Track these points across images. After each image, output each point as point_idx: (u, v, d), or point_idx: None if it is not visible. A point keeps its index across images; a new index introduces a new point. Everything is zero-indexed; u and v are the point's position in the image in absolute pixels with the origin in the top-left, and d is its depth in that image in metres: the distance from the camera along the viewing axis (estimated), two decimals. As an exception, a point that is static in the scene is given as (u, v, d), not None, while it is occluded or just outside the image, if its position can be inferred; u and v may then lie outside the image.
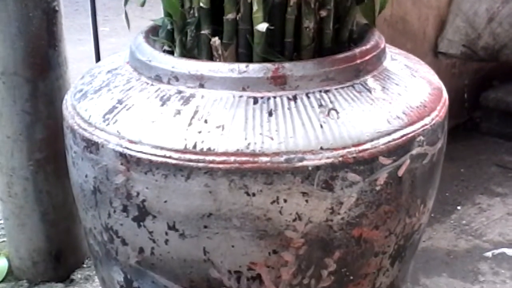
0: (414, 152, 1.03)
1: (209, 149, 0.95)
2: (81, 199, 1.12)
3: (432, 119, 1.06)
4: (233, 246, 0.99)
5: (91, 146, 1.03)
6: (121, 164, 0.99)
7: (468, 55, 2.18)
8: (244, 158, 0.94)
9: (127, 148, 0.98)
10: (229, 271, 1.01)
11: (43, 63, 1.39)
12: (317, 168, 0.95)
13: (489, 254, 1.67)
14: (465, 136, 2.22)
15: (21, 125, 1.41)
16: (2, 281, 1.56)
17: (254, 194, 0.96)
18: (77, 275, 1.57)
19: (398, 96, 1.05)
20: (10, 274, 1.57)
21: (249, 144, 0.95)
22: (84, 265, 1.60)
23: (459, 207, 1.86)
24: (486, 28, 2.14)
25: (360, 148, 0.97)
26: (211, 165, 0.94)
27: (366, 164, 0.98)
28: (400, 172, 1.02)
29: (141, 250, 1.05)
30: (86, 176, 1.06)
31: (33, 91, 1.39)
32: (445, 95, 1.15)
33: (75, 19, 3.45)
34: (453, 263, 1.63)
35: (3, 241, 1.66)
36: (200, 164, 0.95)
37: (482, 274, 1.59)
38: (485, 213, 1.84)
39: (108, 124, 1.02)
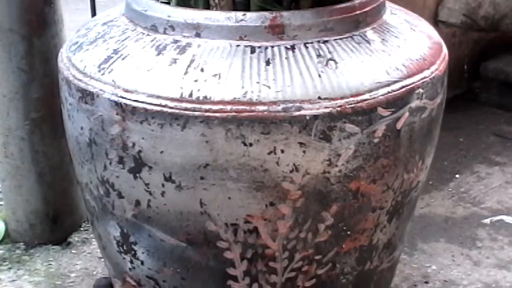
0: (413, 104, 1.02)
1: (205, 97, 0.94)
2: (76, 153, 1.11)
3: (432, 73, 1.05)
4: (229, 198, 0.99)
5: (86, 96, 1.02)
6: (117, 113, 0.98)
7: (468, 24, 2.16)
8: (240, 107, 0.93)
9: (123, 97, 0.97)
10: (225, 224, 1.01)
11: (38, 20, 1.37)
12: (315, 117, 0.94)
13: (487, 221, 1.67)
14: (464, 106, 2.21)
15: (17, 83, 1.39)
16: (-1, 243, 1.56)
17: (251, 144, 0.95)
18: (74, 238, 1.57)
19: (398, 48, 1.04)
20: (7, 237, 1.57)
21: (246, 92, 0.94)
22: (81, 228, 1.60)
23: (457, 176, 1.86)
24: (487, -3, 2.12)
25: (359, 98, 0.96)
26: (208, 113, 0.93)
27: (364, 114, 0.97)
28: (399, 125, 1.01)
29: (137, 203, 1.04)
30: (81, 128, 1.05)
31: (29, 48, 1.37)
32: (445, 50, 1.14)
33: (73, -10, 3.42)
34: (451, 229, 1.63)
35: (0, 205, 1.65)
36: (196, 113, 0.94)
37: (480, 240, 1.59)
38: (483, 181, 1.83)
39: (103, 73, 1.00)
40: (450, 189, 1.80)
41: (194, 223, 1.01)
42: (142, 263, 1.10)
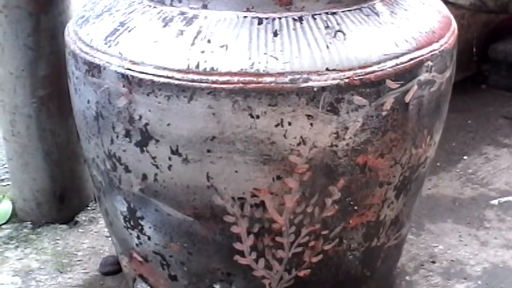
0: (422, 77, 1.01)
1: (212, 68, 0.93)
2: (83, 128, 1.11)
3: (441, 45, 1.04)
4: (236, 172, 0.98)
5: (93, 69, 1.01)
6: (123, 86, 0.98)
7: (477, 6, 2.14)
8: (248, 78, 0.92)
9: (129, 69, 0.97)
10: (232, 198, 1.00)
11: (45, -4, 1.37)
12: (323, 89, 0.93)
13: (495, 202, 1.66)
14: (473, 88, 2.20)
15: (24, 60, 1.39)
16: (6, 222, 1.56)
17: (258, 116, 0.94)
18: (81, 217, 1.57)
19: (407, 21, 1.02)
20: (14, 216, 1.57)
21: (253, 63, 0.93)
22: (88, 208, 1.60)
23: (465, 157, 1.85)
24: (496, -22, 2.10)
25: (367, 70, 0.95)
26: (214, 85, 0.93)
27: (372, 87, 0.96)
28: (407, 98, 1.00)
29: (144, 177, 1.04)
30: (88, 101, 1.05)
31: (36, 25, 1.37)
32: (454, 24, 1.13)
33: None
34: (458, 210, 1.62)
35: (7, 184, 1.66)
36: (203, 84, 0.93)
37: (487, 221, 1.58)
38: (491, 162, 1.82)
39: (110, 46, 1.00)
40: (458, 171, 1.79)
41: (201, 197, 1.01)
42: (149, 238, 1.10)
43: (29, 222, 1.55)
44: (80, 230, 1.53)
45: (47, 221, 1.54)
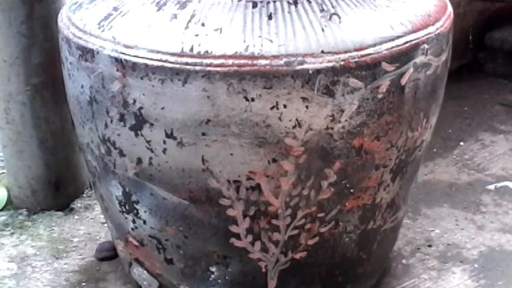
0: (418, 60, 1.00)
1: (206, 51, 0.93)
2: (77, 113, 1.10)
3: (437, 29, 1.03)
4: (232, 155, 0.98)
5: (86, 54, 1.01)
6: (117, 70, 0.97)
7: (473, -7, 2.14)
8: (242, 61, 0.92)
9: (123, 53, 0.96)
10: (228, 181, 1.00)
11: (38, -17, 1.36)
12: (318, 71, 0.93)
13: (491, 187, 1.66)
14: (469, 76, 2.20)
15: (18, 48, 1.38)
16: (2, 210, 1.56)
17: (253, 99, 0.94)
18: (77, 204, 1.56)
19: (402, 4, 1.02)
20: (9, 203, 1.57)
21: (247, 46, 0.92)
22: (84, 195, 1.59)
23: (462, 143, 1.85)
24: (492, -36, 2.10)
25: (362, 52, 0.95)
26: (209, 68, 0.92)
27: (368, 69, 0.95)
28: (403, 81, 1.00)
29: (139, 161, 1.03)
30: (82, 86, 1.05)
31: (29, 13, 1.36)
32: (450, 8, 1.13)
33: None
34: (455, 195, 1.62)
35: (2, 172, 1.65)
36: (198, 68, 0.93)
37: (484, 205, 1.58)
38: (488, 148, 1.83)
39: (103, 30, 0.99)
40: (454, 156, 1.79)
41: (196, 180, 1.01)
42: (144, 222, 1.10)
43: (24, 209, 1.54)
44: (75, 217, 1.53)
45: (42, 208, 1.54)
